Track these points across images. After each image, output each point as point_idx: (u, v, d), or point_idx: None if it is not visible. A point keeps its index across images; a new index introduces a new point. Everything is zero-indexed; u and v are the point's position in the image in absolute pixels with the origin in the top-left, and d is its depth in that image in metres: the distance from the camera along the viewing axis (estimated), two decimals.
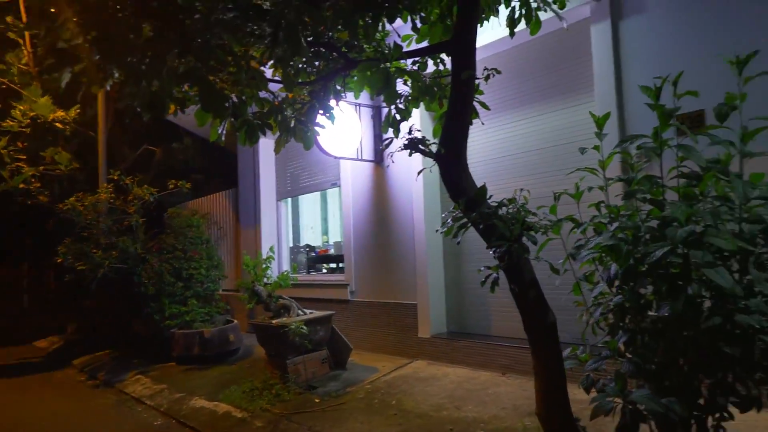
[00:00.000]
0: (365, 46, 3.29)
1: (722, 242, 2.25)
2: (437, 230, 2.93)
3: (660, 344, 2.45)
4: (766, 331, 2.29)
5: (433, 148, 2.86)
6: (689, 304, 2.27)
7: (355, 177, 6.79)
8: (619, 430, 2.32)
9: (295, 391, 5.21)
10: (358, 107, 6.28)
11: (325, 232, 9.04)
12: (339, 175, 7.12)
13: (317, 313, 5.92)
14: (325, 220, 9.10)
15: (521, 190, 2.76)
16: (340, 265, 7.42)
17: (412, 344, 5.88)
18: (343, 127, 6.00)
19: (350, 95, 3.65)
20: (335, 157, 6.22)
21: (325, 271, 7.95)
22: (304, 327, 5.49)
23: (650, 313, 2.56)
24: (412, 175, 5.86)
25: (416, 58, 3.52)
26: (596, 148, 2.94)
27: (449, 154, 2.75)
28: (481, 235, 2.73)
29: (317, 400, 4.96)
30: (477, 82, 3.00)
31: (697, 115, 3.87)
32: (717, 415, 2.35)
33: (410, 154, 2.89)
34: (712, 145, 2.55)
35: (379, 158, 6.45)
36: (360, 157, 6.32)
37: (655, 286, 2.49)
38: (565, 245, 2.76)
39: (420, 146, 2.79)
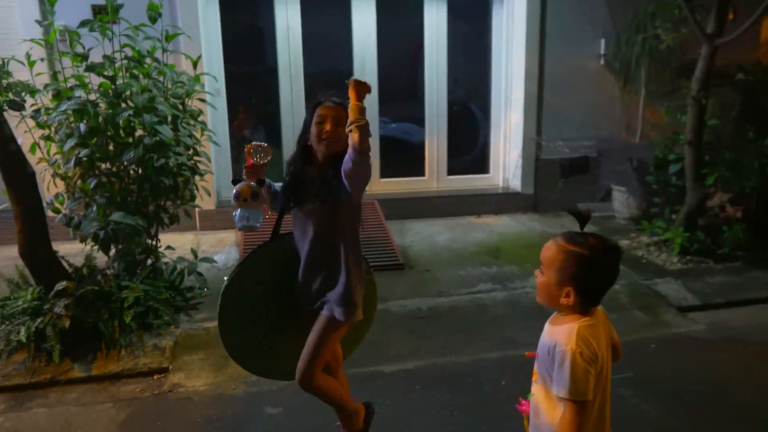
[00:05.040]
0: None
1: (165, 108, 3.36)
2: None
3: (117, 184, 3.39)
4: (183, 169, 3.61)
5: None
6: (146, 150, 3.29)
7: None
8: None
9: None
10: None
11: None
12: None
13: None
14: None
15: None
16: None
17: None
18: None
19: None
20: None
21: None
22: None
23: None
24: None
25: None
26: (51, 24, 3.38)
27: None
28: None
29: None
30: None
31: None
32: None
33: None
34: (146, 39, 3.53)
35: None
36: None
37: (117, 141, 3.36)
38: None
39: None
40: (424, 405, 2.76)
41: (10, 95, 2.89)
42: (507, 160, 5.87)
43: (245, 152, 1.95)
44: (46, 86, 3.33)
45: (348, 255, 2.02)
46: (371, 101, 5.52)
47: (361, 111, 1.83)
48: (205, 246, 4.77)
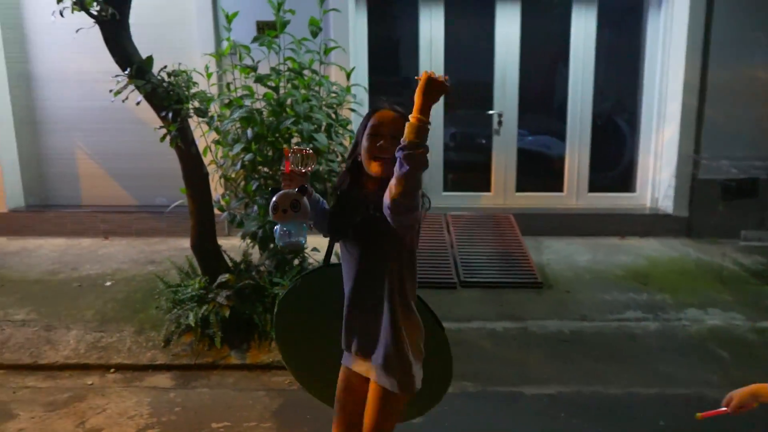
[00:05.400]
0: None
1: (321, 117, 3.53)
2: (111, 92, 3.06)
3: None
4: (333, 175, 3.74)
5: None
6: None
7: None
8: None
9: None
10: None
11: None
12: None
13: None
14: None
15: (179, 64, 3.27)
16: None
17: None
18: None
19: None
20: None
21: None
22: None
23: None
24: None
25: None
26: (228, 39, 3.70)
27: (114, 18, 2.91)
28: (148, 100, 3.13)
29: None
30: None
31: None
32: None
33: (72, 11, 2.85)
34: (307, 53, 3.74)
35: None
36: None
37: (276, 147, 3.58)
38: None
39: (86, 7, 2.82)
40: None
41: (196, 103, 3.22)
42: (657, 178, 5.43)
43: (285, 156, 1.65)
44: (219, 95, 3.67)
45: (396, 302, 1.62)
46: (510, 116, 5.41)
47: (420, 130, 1.36)
48: None
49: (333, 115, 3.74)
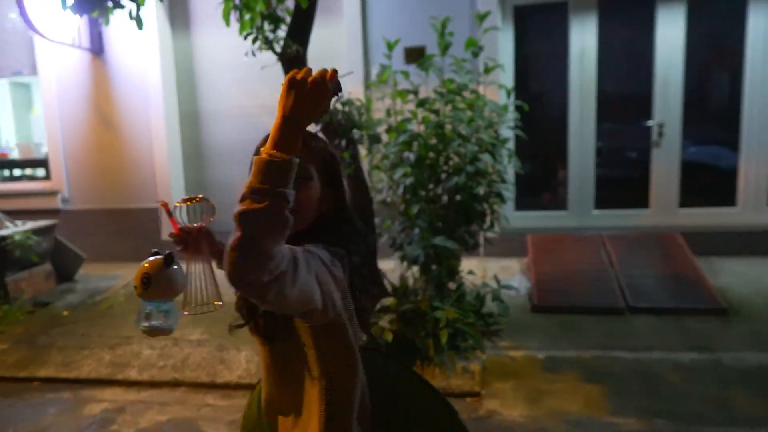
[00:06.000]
0: None
1: (487, 137, 3.47)
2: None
3: (444, 208, 3.61)
4: (493, 196, 3.67)
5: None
6: (467, 178, 3.45)
7: (61, 66, 5.84)
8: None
9: (24, 310, 4.65)
10: None
11: (19, 131, 7.27)
12: (34, 62, 5.96)
13: (36, 223, 5.19)
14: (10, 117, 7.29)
15: (349, 92, 3.40)
16: (37, 171, 6.38)
17: (156, 247, 5.82)
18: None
19: None
20: (49, 39, 5.26)
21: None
22: (33, 237, 4.83)
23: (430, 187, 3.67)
24: (140, 69, 5.58)
25: None
26: (386, 68, 3.78)
27: (298, 54, 3.08)
28: (323, 129, 3.28)
29: (66, 313, 4.61)
30: None
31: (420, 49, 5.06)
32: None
33: (261, 50, 3.06)
34: (467, 73, 3.71)
35: (97, 47, 5.74)
36: (79, 45, 5.51)
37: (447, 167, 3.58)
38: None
39: (272, 46, 3.03)
40: None
41: (372, 131, 3.33)
42: None
43: (167, 213, 1.20)
44: (379, 120, 3.76)
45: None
46: (673, 126, 4.99)
47: (269, 171, 0.93)
48: (491, 272, 4.82)
49: (494, 135, 3.68)
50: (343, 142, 3.27)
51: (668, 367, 3.19)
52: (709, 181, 5.21)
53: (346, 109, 3.32)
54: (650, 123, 5.08)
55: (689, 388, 2.98)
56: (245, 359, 3.68)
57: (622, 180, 5.43)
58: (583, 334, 3.61)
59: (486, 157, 3.37)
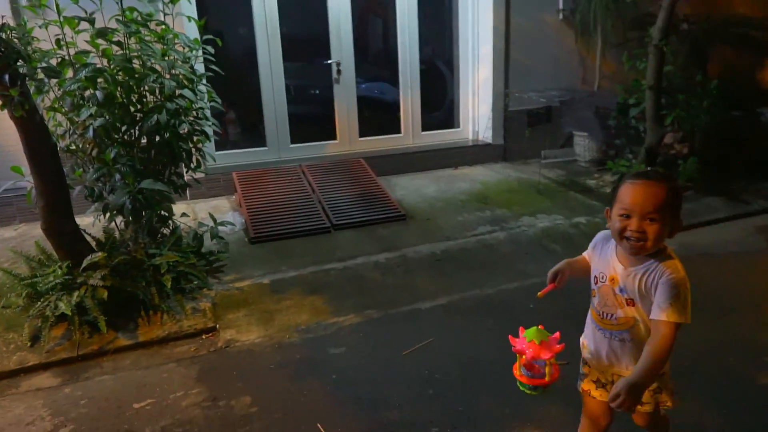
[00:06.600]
0: None
1: (186, 72, 3.32)
2: None
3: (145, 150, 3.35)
4: (197, 134, 3.60)
5: None
6: (169, 115, 3.27)
7: None
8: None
9: None
10: None
11: None
12: None
13: None
14: None
15: (3, 16, 2.74)
16: None
17: None
18: None
19: None
20: None
21: None
22: None
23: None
24: None
25: None
26: None
27: None
28: None
29: None
30: None
31: None
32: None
33: None
34: (150, 2, 3.45)
35: None
36: None
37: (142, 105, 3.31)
38: None
39: None
40: (472, 330, 3.06)
41: (44, 63, 2.75)
42: (476, 114, 6.18)
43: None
44: (48, 52, 3.16)
45: None
46: (347, 64, 5.60)
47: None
48: (202, 213, 4.75)
49: (191, 70, 3.53)
50: (7, 78, 2.67)
51: (369, 268, 3.80)
52: (380, 112, 6.11)
53: (3, 35, 2.70)
54: (329, 61, 5.60)
55: (386, 281, 3.64)
56: None
57: (311, 116, 5.90)
58: (299, 255, 3.96)
59: (187, 93, 3.24)
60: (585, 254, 1.80)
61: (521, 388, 1.67)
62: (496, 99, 5.90)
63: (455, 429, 2.29)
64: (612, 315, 1.62)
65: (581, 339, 1.81)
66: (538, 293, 1.77)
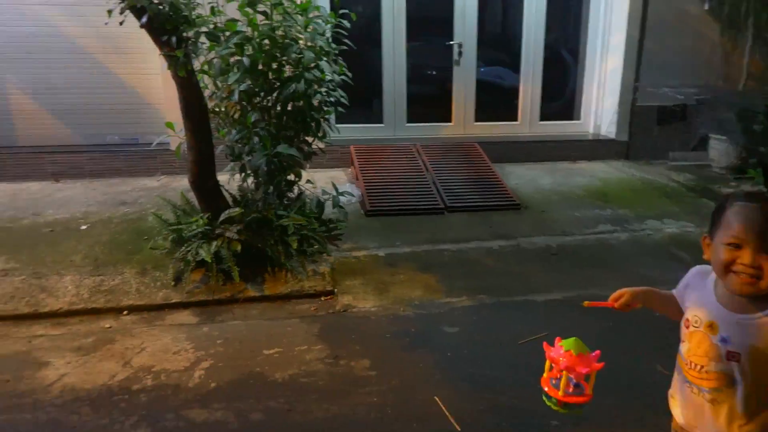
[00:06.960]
0: None
1: (324, 45, 3.44)
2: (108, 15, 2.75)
3: (278, 116, 3.53)
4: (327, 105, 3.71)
5: None
6: (307, 85, 3.41)
7: None
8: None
9: None
10: None
11: None
12: None
13: None
14: None
15: None
16: None
17: None
18: None
19: None
20: None
21: None
22: None
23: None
24: None
25: None
26: None
27: None
28: (149, 24, 2.86)
29: None
30: None
31: None
32: None
33: None
34: None
35: None
36: None
37: (279, 74, 3.47)
38: None
39: None
40: (589, 327, 2.95)
41: (206, 28, 2.98)
42: (600, 107, 5.90)
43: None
44: (206, 18, 3.39)
45: None
46: (470, 46, 5.54)
47: None
48: (321, 183, 4.93)
49: (328, 43, 3.65)
50: (174, 39, 2.91)
51: (482, 253, 3.79)
52: (496, 98, 6.01)
53: (172, 0, 2.93)
54: (451, 42, 5.57)
55: (499, 268, 3.61)
56: (73, 284, 3.25)
57: (428, 97, 5.92)
58: (413, 233, 4.02)
59: (324, 65, 3.36)
60: (674, 291, 1.51)
61: (548, 403, 1.48)
62: (623, 92, 5.59)
63: (571, 422, 2.25)
64: (702, 367, 1.33)
65: (668, 392, 1.51)
66: (586, 302, 1.57)
